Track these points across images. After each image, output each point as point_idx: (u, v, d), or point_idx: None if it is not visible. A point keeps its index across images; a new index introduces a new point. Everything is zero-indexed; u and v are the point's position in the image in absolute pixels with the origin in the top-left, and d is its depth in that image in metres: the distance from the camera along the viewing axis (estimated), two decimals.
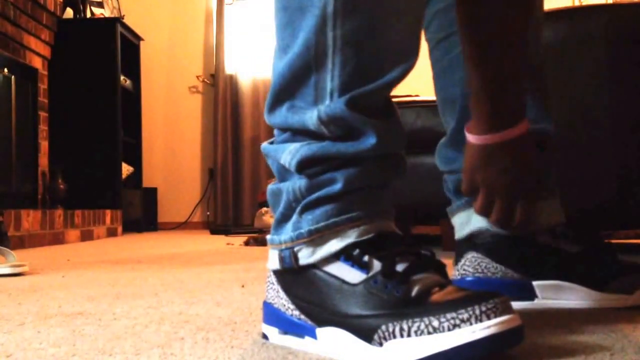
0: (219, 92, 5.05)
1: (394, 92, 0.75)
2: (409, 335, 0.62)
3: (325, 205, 0.72)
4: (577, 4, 4.73)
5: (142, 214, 4.70)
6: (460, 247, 1.04)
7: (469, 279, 1.01)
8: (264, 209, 4.17)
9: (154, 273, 1.67)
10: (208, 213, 5.16)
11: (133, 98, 4.72)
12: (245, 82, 5.11)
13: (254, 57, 5.09)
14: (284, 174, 0.77)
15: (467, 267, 1.02)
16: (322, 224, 0.72)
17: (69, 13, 4.30)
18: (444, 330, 0.61)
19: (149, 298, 1.19)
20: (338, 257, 0.71)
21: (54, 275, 1.64)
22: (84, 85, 4.22)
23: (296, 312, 0.74)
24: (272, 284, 0.78)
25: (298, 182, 0.74)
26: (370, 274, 0.68)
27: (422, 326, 0.62)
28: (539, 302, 0.98)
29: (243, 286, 1.34)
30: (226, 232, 4.17)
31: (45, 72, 4.04)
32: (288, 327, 0.75)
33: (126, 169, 4.48)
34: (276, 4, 0.75)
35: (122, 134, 4.36)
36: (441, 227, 2.40)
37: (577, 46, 1.80)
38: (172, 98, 5.22)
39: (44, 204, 3.89)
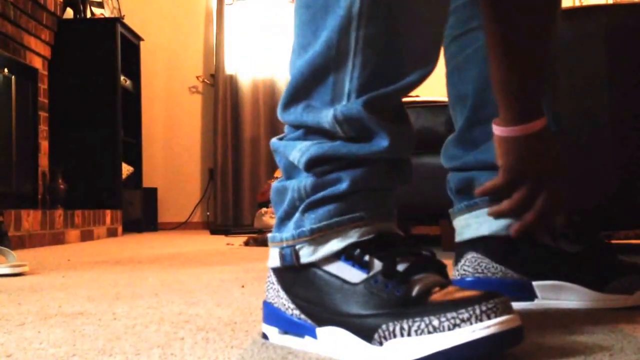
0: (219, 92, 5.05)
1: None
2: (409, 334, 0.62)
3: (329, 204, 0.72)
4: (577, 4, 4.73)
5: (142, 214, 4.70)
6: (460, 248, 1.04)
7: (468, 279, 1.01)
8: (264, 209, 4.17)
9: (154, 273, 1.67)
10: (208, 213, 5.16)
11: (133, 98, 4.72)
12: (245, 82, 5.11)
13: (254, 57, 5.09)
14: (291, 172, 0.77)
15: (467, 267, 1.02)
16: (325, 223, 0.72)
17: (69, 13, 4.30)
18: (444, 330, 0.61)
19: (149, 298, 1.19)
20: (339, 257, 0.71)
21: (54, 276, 1.64)
22: (84, 86, 4.22)
23: (296, 312, 0.74)
24: (272, 283, 0.78)
25: (304, 181, 0.74)
26: (371, 273, 0.68)
27: (423, 325, 0.62)
28: (539, 302, 0.98)
29: (243, 286, 1.34)
30: (226, 232, 4.17)
31: (46, 72, 4.04)
32: (288, 326, 0.75)
33: (126, 169, 4.48)
34: (299, 1, 0.74)
35: (122, 134, 4.36)
36: (441, 228, 2.40)
37: (577, 46, 1.80)
38: (172, 98, 5.22)
39: (44, 204, 3.89)
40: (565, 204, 0.95)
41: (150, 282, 1.45)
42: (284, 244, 0.75)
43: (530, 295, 0.98)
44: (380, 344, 0.64)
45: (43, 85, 4.00)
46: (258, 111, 5.09)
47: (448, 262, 0.83)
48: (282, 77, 5.06)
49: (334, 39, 0.70)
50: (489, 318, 0.60)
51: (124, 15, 4.81)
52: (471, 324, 0.60)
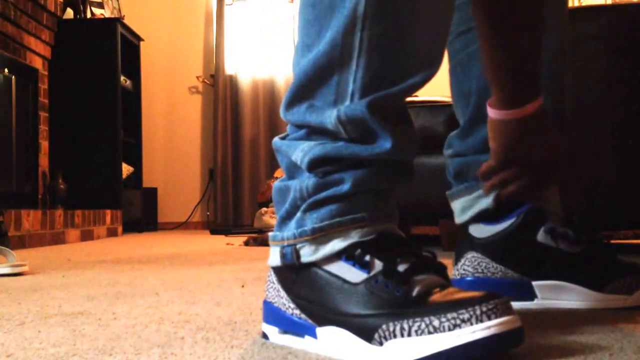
0: (219, 92, 5.05)
1: None
2: (409, 334, 0.62)
3: (331, 204, 0.72)
4: (577, 4, 4.73)
5: (142, 214, 4.70)
6: (460, 247, 1.04)
7: (468, 278, 1.01)
8: (264, 209, 4.17)
9: (154, 273, 1.68)
10: (208, 213, 5.16)
11: (133, 98, 4.72)
12: (245, 82, 5.11)
13: (254, 57, 5.09)
14: (293, 171, 0.77)
15: (467, 267, 1.02)
16: (327, 222, 0.72)
17: (69, 13, 4.30)
18: (444, 330, 0.61)
19: (149, 298, 1.19)
20: (340, 257, 0.71)
21: (54, 275, 1.64)
22: (84, 86, 4.22)
23: (296, 311, 0.74)
24: (273, 282, 0.78)
25: (306, 181, 0.74)
26: (372, 273, 0.68)
27: (423, 326, 0.62)
28: (538, 302, 0.98)
29: (243, 286, 1.34)
30: (226, 232, 4.17)
31: (46, 73, 4.05)
32: (288, 326, 0.75)
33: (126, 169, 4.48)
34: (304, 0, 0.74)
35: (122, 134, 4.36)
36: (441, 228, 2.40)
37: (577, 46, 1.80)
38: (172, 98, 5.22)
39: (44, 204, 3.90)
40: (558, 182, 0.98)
41: (150, 282, 1.45)
42: (285, 243, 0.75)
43: (530, 295, 0.98)
44: (381, 344, 0.64)
45: (43, 86, 4.00)
46: (258, 111, 5.09)
47: (448, 262, 0.83)
48: (282, 77, 5.06)
49: (339, 39, 0.70)
50: (489, 319, 0.60)
51: (124, 16, 4.81)
52: (471, 324, 0.60)
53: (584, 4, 4.66)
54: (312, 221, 0.73)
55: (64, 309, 1.06)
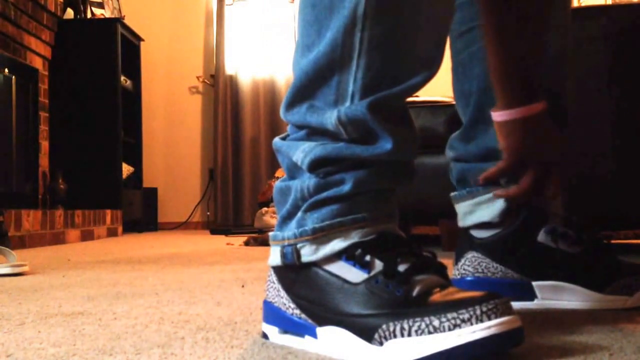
0: (219, 92, 5.05)
1: None
2: (409, 334, 0.62)
3: (331, 205, 0.72)
4: (577, 4, 4.73)
5: (142, 214, 4.70)
6: (461, 247, 1.04)
7: (469, 278, 1.01)
8: (264, 209, 4.17)
9: (154, 273, 1.68)
10: (208, 213, 5.16)
11: (133, 98, 4.72)
12: (245, 82, 5.11)
13: (254, 57, 5.09)
14: (294, 171, 0.77)
15: (467, 267, 1.02)
16: (327, 222, 0.72)
17: (69, 13, 4.30)
18: (444, 330, 0.61)
19: (149, 298, 1.19)
20: (340, 257, 0.71)
21: (55, 275, 1.64)
22: (84, 86, 4.22)
23: (297, 311, 0.74)
24: (273, 282, 0.78)
25: (307, 181, 0.74)
26: (372, 273, 0.68)
27: (423, 326, 0.62)
28: (538, 303, 0.98)
29: (243, 286, 1.35)
30: (226, 232, 4.17)
31: (46, 73, 4.05)
32: (288, 326, 0.75)
33: (126, 169, 4.48)
34: (304, 1, 0.74)
35: (123, 134, 4.36)
36: (441, 228, 2.40)
37: (577, 46, 1.80)
38: (172, 98, 5.22)
39: (44, 204, 3.90)
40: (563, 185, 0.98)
41: (150, 282, 1.45)
42: (286, 243, 0.75)
43: (530, 296, 0.98)
44: (381, 343, 0.64)
45: (43, 86, 4.00)
46: (258, 111, 5.09)
47: (448, 262, 0.83)
48: (282, 77, 5.06)
49: (339, 39, 0.70)
50: (489, 319, 0.60)
51: (124, 16, 4.81)
52: (472, 324, 0.60)
53: (584, 4, 4.66)
54: (312, 221, 0.73)
55: (64, 309, 1.06)
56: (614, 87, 1.83)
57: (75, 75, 4.19)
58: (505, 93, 0.93)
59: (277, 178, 4.11)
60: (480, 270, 1.00)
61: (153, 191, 4.97)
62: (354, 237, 0.71)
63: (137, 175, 4.76)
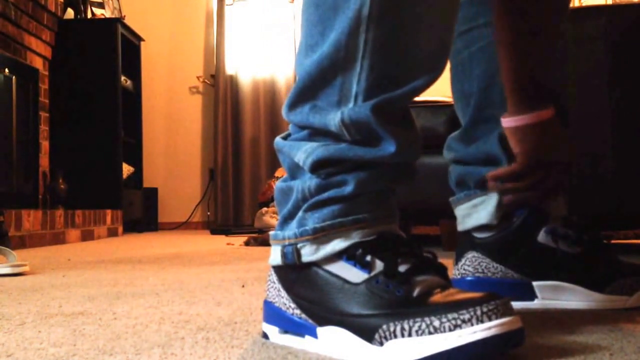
0: (219, 92, 5.05)
1: None
2: (409, 335, 0.62)
3: (333, 205, 0.72)
4: (577, 4, 4.73)
5: (142, 214, 4.70)
6: (461, 247, 1.04)
7: (469, 278, 1.01)
8: (265, 209, 4.17)
9: (154, 273, 1.68)
10: (208, 213, 5.16)
11: (133, 98, 4.72)
12: (245, 82, 5.11)
13: (254, 57, 5.09)
14: (295, 172, 0.77)
15: (467, 266, 1.02)
16: (328, 223, 0.72)
17: (69, 13, 4.30)
18: (445, 331, 0.61)
19: (150, 298, 1.19)
20: (340, 257, 0.71)
21: (55, 275, 1.64)
22: (84, 86, 4.22)
23: (297, 311, 0.74)
24: (273, 282, 0.78)
25: (309, 182, 0.74)
26: (372, 273, 0.68)
27: (424, 326, 0.62)
28: (538, 303, 0.98)
29: (243, 286, 1.35)
30: (226, 232, 4.17)
31: (46, 73, 4.05)
32: (288, 326, 0.75)
33: (127, 169, 4.48)
34: (307, 0, 0.74)
35: (123, 134, 4.36)
36: (441, 228, 2.40)
37: (577, 46, 1.80)
38: (172, 98, 5.22)
39: (44, 204, 3.90)
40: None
41: (151, 282, 1.45)
42: (286, 242, 0.75)
43: (530, 296, 0.98)
44: (381, 344, 0.64)
45: (44, 86, 4.00)
46: (258, 111, 5.09)
47: (448, 262, 0.83)
48: (283, 77, 5.06)
49: (343, 40, 0.70)
50: (490, 319, 0.60)
51: (124, 16, 4.81)
52: (472, 325, 0.60)
53: (584, 4, 4.66)
54: (313, 221, 0.73)
55: (64, 309, 1.06)
56: (614, 87, 1.83)
57: (75, 75, 4.19)
58: (518, 99, 0.94)
59: (277, 178, 4.11)
60: (480, 270, 1.00)
61: (153, 191, 4.97)
62: (355, 237, 0.71)
63: (138, 175, 4.76)
